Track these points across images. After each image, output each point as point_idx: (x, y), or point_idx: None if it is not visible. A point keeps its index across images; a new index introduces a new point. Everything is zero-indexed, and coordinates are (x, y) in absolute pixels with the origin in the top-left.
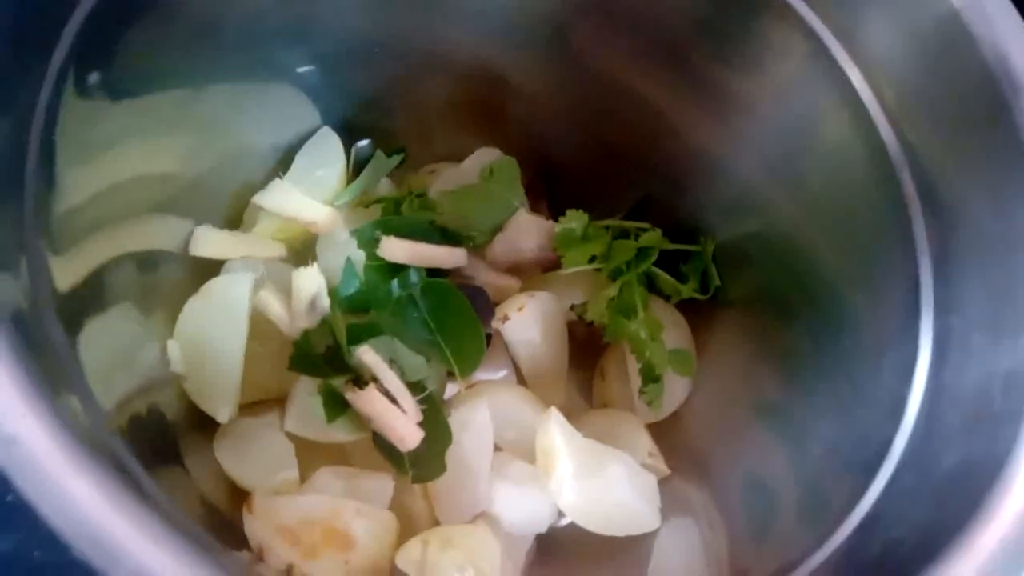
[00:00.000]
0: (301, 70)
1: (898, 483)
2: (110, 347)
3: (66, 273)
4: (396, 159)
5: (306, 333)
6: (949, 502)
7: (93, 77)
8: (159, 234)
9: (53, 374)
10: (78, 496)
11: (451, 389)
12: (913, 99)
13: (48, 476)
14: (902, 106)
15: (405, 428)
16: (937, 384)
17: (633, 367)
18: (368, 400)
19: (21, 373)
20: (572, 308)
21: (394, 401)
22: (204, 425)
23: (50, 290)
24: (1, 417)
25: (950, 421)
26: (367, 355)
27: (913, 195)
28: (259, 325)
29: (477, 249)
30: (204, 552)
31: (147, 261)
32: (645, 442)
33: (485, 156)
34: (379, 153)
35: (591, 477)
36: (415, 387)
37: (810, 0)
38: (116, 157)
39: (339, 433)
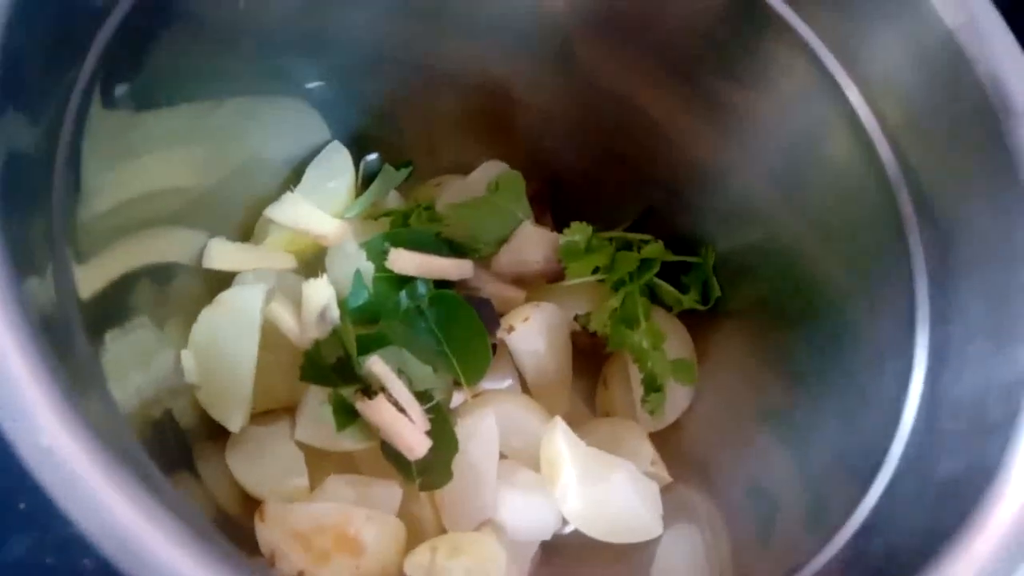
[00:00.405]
0: (312, 85)
1: (896, 489)
2: (128, 357)
3: (89, 282)
4: (404, 172)
5: (317, 344)
6: (947, 507)
7: (118, 88)
8: (173, 246)
9: (79, 381)
10: (111, 505)
11: (457, 398)
12: (910, 118)
13: (82, 486)
14: (900, 125)
15: (413, 437)
16: (934, 393)
17: (635, 376)
18: (377, 410)
19: (53, 383)
20: (576, 318)
21: (402, 411)
22: (216, 434)
23: (75, 298)
24: (37, 429)
25: (947, 429)
26: (376, 365)
27: (910, 210)
28: (270, 336)
29: (483, 261)
30: (231, 559)
31: (162, 272)
32: (647, 450)
33: (491, 169)
34: (387, 167)
35: (595, 485)
36: (423, 396)
37: (810, 20)
38: (135, 168)
39: (348, 441)
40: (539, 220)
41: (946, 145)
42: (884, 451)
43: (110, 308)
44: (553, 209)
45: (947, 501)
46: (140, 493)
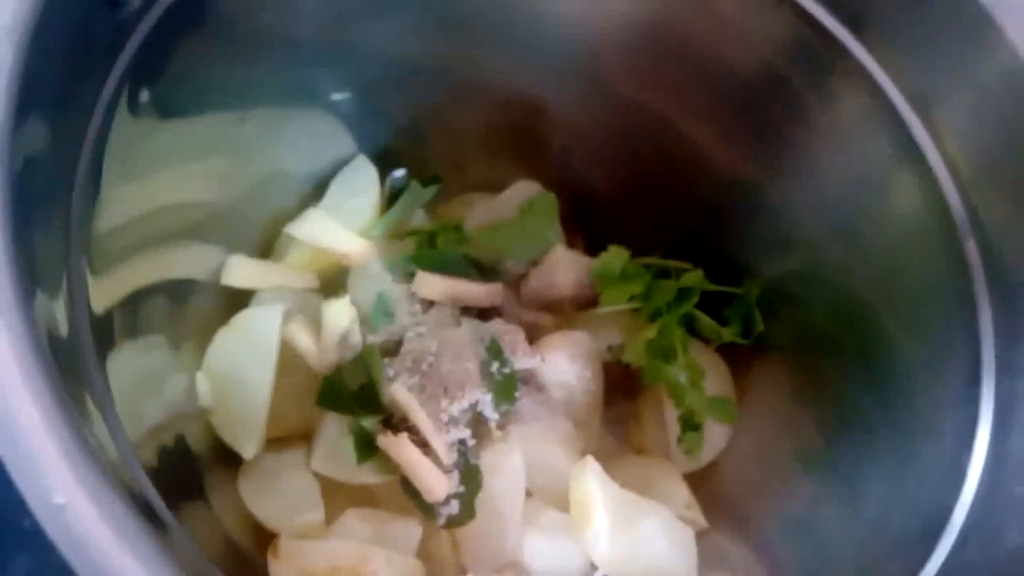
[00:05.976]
0: (337, 97)
1: (959, 558)
2: (139, 376)
3: (103, 296)
4: (432, 190)
5: (338, 369)
6: None
7: (144, 100)
8: (191, 262)
9: (85, 403)
10: (124, 572)
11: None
12: (983, 164)
13: (95, 550)
14: (971, 170)
15: (435, 479)
16: (1000, 452)
17: (671, 413)
18: (400, 447)
19: (65, 429)
20: (608, 349)
21: (423, 444)
22: (229, 460)
23: (87, 312)
24: (50, 486)
25: (1016, 494)
26: (400, 393)
27: (977, 260)
28: (286, 358)
29: (512, 285)
30: None
31: (178, 289)
32: (682, 493)
33: (523, 190)
34: (414, 184)
35: (627, 530)
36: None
37: (881, 61)
38: (157, 180)
39: (367, 475)
40: (570, 243)
41: (1020, 194)
42: (946, 515)
43: (124, 325)
44: (585, 232)
45: (1017, 573)
46: (159, 566)
